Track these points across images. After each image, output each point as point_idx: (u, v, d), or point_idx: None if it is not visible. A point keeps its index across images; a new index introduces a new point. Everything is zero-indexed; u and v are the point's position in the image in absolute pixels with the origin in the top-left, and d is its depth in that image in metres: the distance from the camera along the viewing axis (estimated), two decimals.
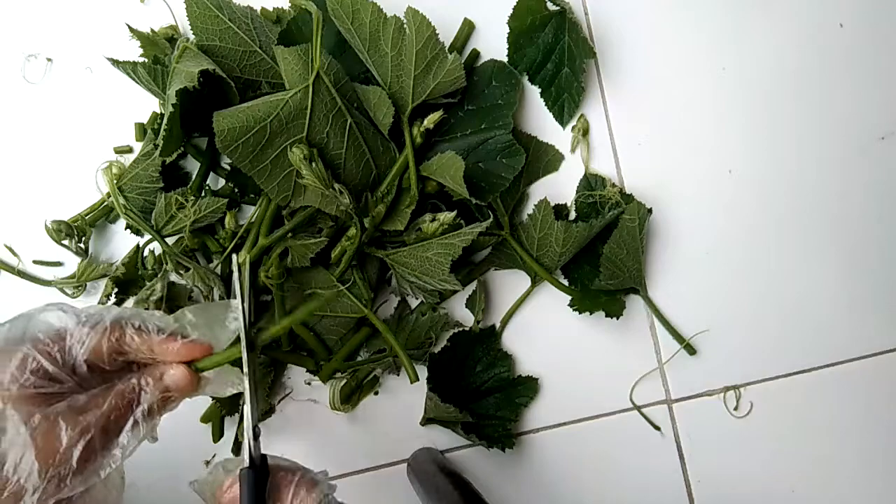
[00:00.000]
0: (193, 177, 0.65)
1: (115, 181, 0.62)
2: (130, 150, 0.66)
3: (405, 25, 0.56)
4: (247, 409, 0.42)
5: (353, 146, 0.58)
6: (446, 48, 0.58)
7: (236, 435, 0.65)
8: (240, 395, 0.62)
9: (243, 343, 0.43)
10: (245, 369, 0.43)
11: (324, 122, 0.57)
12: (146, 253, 0.65)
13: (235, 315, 0.43)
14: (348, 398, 0.65)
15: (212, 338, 0.42)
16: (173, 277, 0.63)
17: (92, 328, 0.38)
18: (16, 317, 0.39)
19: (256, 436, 0.42)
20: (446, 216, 0.60)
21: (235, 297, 0.45)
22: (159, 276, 0.63)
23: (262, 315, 0.64)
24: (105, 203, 0.64)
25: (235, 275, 0.46)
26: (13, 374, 0.36)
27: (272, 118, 0.55)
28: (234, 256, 0.49)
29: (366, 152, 0.59)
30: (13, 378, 0.36)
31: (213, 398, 0.62)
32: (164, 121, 0.56)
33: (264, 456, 0.42)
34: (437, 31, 0.57)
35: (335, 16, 0.56)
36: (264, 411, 0.65)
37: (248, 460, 0.41)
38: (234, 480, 0.41)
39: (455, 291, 0.66)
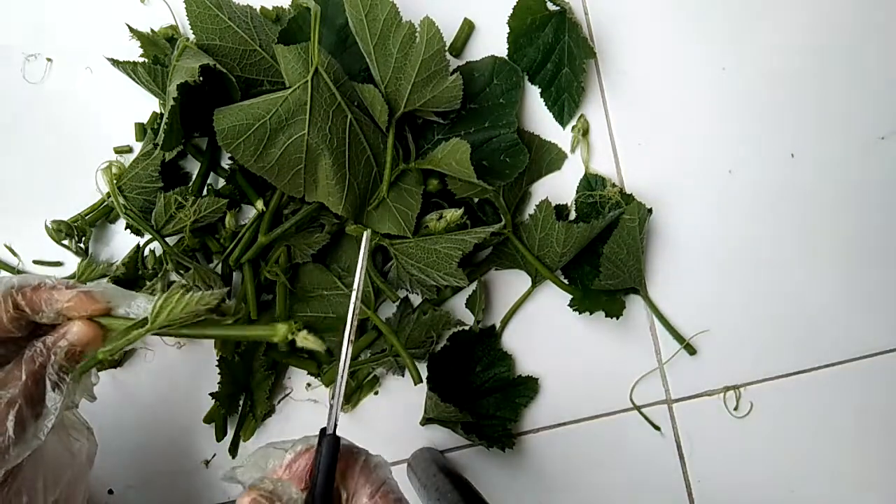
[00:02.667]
0: (194, 177, 0.65)
1: (114, 181, 0.62)
2: (130, 150, 0.66)
3: (417, 33, 0.56)
4: (339, 379, 0.42)
5: (354, 143, 0.58)
6: (450, 67, 0.59)
7: (235, 434, 0.65)
8: (239, 393, 0.63)
9: (352, 304, 0.42)
10: (347, 335, 0.42)
11: (324, 118, 0.57)
12: (146, 253, 0.65)
13: (143, 303, 0.41)
14: (348, 398, 0.65)
15: (113, 304, 0.41)
16: (173, 277, 0.63)
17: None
18: None
19: (341, 407, 0.42)
20: (453, 214, 0.61)
21: (355, 274, 0.44)
22: (159, 276, 0.63)
23: (262, 315, 0.64)
24: (105, 203, 0.64)
25: (363, 249, 0.45)
26: None
27: (272, 115, 0.56)
28: (366, 232, 0.48)
29: (367, 149, 0.59)
30: None
31: (214, 396, 0.62)
32: (165, 115, 0.56)
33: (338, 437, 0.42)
34: (446, 48, 0.57)
35: (350, 3, 0.56)
36: (265, 412, 0.65)
37: (333, 427, 0.41)
38: (299, 454, 0.40)
39: (455, 291, 0.66)
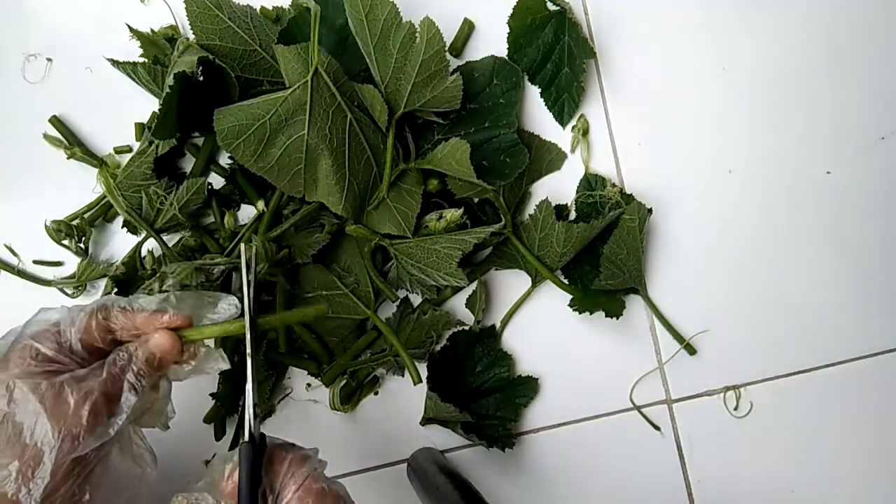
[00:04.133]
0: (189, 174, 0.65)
1: (111, 180, 0.62)
2: (130, 150, 0.66)
3: (417, 33, 0.56)
4: (249, 386, 0.45)
5: (354, 142, 0.58)
6: (450, 67, 0.59)
7: (236, 434, 0.65)
8: (240, 393, 0.63)
9: (247, 320, 0.45)
10: (248, 349, 0.45)
11: (324, 117, 0.57)
12: (144, 253, 0.65)
13: (226, 305, 0.46)
14: (348, 398, 0.65)
15: (194, 316, 0.45)
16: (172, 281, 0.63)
17: (80, 312, 0.42)
18: (9, 331, 0.43)
19: (256, 415, 0.44)
20: (453, 214, 0.61)
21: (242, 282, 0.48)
22: (157, 275, 0.63)
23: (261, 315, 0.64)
24: (102, 202, 0.64)
25: (243, 257, 0.48)
26: (15, 361, 0.40)
27: (272, 115, 0.56)
28: (242, 245, 0.51)
29: (366, 149, 0.59)
30: (16, 364, 0.40)
31: (214, 397, 0.62)
32: (161, 103, 0.56)
33: (263, 434, 0.44)
34: (446, 48, 0.57)
35: (350, 3, 0.56)
36: (265, 412, 0.65)
37: (247, 435, 0.43)
38: (234, 467, 0.43)
39: (455, 291, 0.66)
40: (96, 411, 0.40)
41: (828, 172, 0.69)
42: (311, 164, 0.58)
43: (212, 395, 0.62)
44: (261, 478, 0.42)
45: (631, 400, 0.68)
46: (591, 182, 0.67)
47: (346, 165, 0.58)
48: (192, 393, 0.65)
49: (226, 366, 0.45)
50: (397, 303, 0.66)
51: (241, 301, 0.47)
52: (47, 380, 0.40)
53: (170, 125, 0.59)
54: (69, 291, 0.64)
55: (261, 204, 0.62)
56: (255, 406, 0.44)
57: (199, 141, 0.65)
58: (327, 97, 0.56)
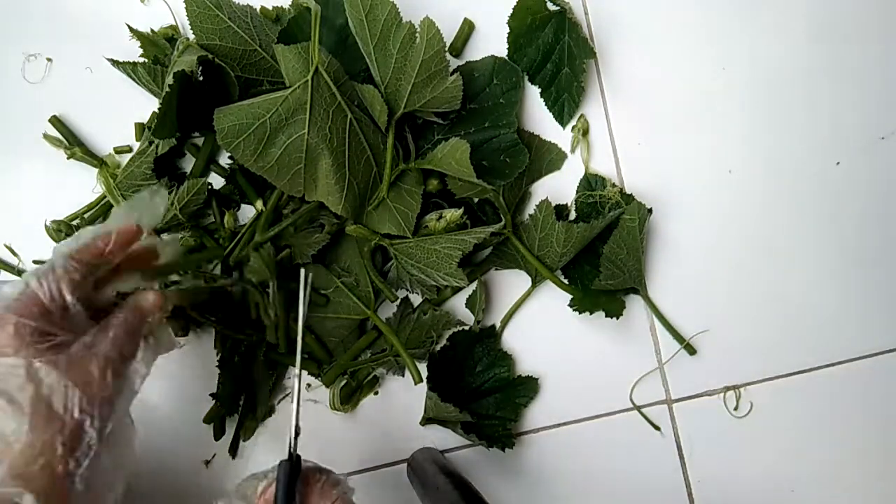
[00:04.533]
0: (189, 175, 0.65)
1: (111, 180, 0.62)
2: (130, 150, 0.66)
3: (417, 33, 0.56)
4: (293, 406, 0.47)
5: (354, 142, 0.58)
6: (450, 67, 0.59)
7: (235, 434, 0.65)
8: (239, 393, 0.63)
9: (299, 345, 0.49)
10: (297, 370, 0.49)
11: (324, 117, 0.57)
12: None
13: (159, 200, 0.49)
14: (348, 398, 0.65)
15: (138, 220, 0.47)
16: (173, 277, 0.63)
17: (50, 275, 0.41)
18: None
19: (297, 433, 0.47)
20: (453, 214, 0.61)
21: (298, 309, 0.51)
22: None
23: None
24: (102, 202, 0.64)
25: (302, 288, 0.51)
26: (13, 342, 0.39)
27: (272, 114, 0.56)
28: (302, 270, 0.53)
29: (366, 149, 0.59)
30: (16, 345, 0.39)
31: (214, 397, 0.62)
32: (160, 102, 0.56)
33: (299, 455, 0.46)
34: (446, 48, 0.57)
35: (350, 3, 0.56)
36: (265, 412, 0.65)
37: (288, 453, 0.45)
38: (269, 484, 0.44)
39: (455, 291, 0.66)
40: (118, 373, 0.41)
41: (828, 172, 0.69)
42: (311, 163, 0.58)
43: (212, 395, 0.62)
44: (294, 496, 0.43)
45: (631, 400, 0.68)
46: (591, 182, 0.67)
47: (346, 165, 0.58)
48: (192, 393, 0.65)
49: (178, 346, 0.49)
50: (397, 303, 0.66)
51: (297, 323, 0.50)
52: (62, 353, 0.40)
53: (170, 125, 0.59)
54: None
55: (259, 203, 0.62)
56: (296, 426, 0.47)
57: (199, 141, 0.65)
58: (327, 97, 0.56)
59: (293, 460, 0.45)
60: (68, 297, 0.41)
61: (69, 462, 0.38)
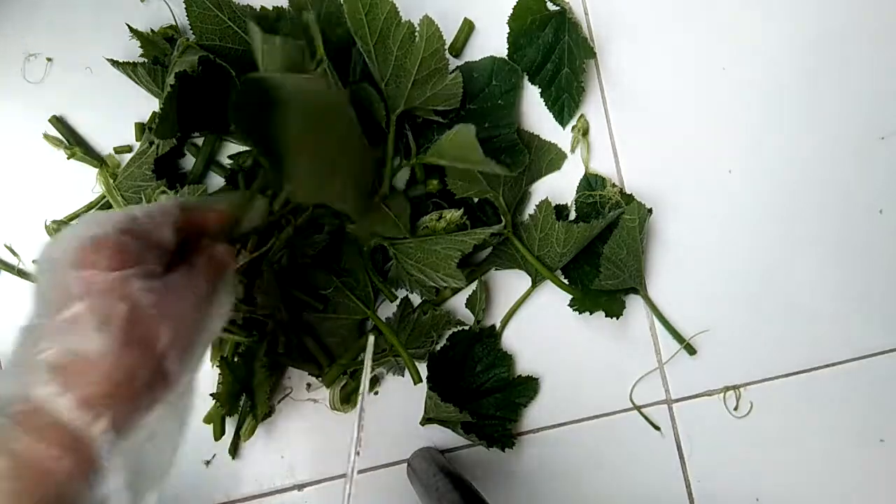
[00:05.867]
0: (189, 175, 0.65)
1: (111, 180, 0.62)
2: (130, 150, 0.66)
3: (417, 32, 0.56)
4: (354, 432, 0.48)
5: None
6: (449, 66, 0.59)
7: (235, 434, 0.65)
8: (240, 392, 0.63)
9: (357, 417, 0.49)
10: (356, 434, 0.48)
11: None
12: None
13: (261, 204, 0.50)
14: (348, 398, 0.65)
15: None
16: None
17: (166, 210, 0.40)
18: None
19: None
20: (453, 214, 0.61)
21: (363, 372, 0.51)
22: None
23: None
24: (102, 202, 0.64)
25: (368, 354, 0.51)
26: (116, 263, 0.36)
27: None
28: (371, 337, 0.54)
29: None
30: (117, 266, 0.36)
31: (214, 397, 0.62)
32: (162, 102, 0.56)
33: None
34: (445, 46, 0.57)
35: (350, 2, 0.56)
36: (265, 412, 0.65)
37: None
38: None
39: (455, 291, 0.66)
40: (206, 312, 0.40)
41: (828, 172, 0.69)
42: None
43: (212, 394, 0.62)
44: None
45: (631, 400, 0.68)
46: (591, 182, 0.67)
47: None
48: None
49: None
50: (397, 303, 0.66)
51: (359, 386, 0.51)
52: (158, 280, 0.37)
53: (171, 125, 0.59)
54: None
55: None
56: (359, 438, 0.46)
57: (200, 141, 0.65)
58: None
59: None
60: (168, 236, 0.39)
61: (145, 398, 0.36)
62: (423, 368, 0.64)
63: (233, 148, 0.65)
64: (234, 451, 0.65)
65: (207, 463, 0.66)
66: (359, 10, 0.56)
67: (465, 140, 0.56)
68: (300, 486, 0.66)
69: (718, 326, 0.68)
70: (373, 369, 0.66)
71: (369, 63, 0.59)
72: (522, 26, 0.64)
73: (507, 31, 0.65)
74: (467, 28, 0.66)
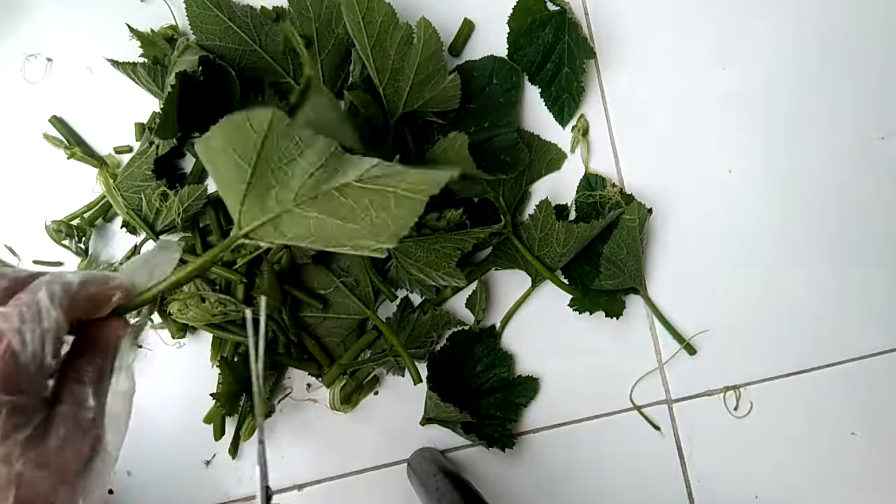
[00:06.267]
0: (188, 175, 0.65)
1: (111, 180, 0.62)
2: (130, 150, 0.66)
3: (414, 34, 0.56)
4: (258, 469, 0.39)
5: None
6: (448, 67, 0.59)
7: (235, 434, 0.65)
8: (240, 392, 0.63)
9: (258, 407, 0.41)
10: (258, 429, 0.41)
11: None
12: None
13: (174, 251, 0.39)
14: (348, 398, 0.65)
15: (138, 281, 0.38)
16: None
17: (39, 323, 0.31)
18: None
19: (269, 498, 0.39)
20: (453, 213, 0.61)
21: (248, 345, 0.42)
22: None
23: None
24: (102, 202, 0.65)
25: (249, 329, 0.41)
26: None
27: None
28: (248, 311, 0.45)
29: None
30: None
31: (214, 397, 0.62)
32: (162, 102, 0.56)
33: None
34: (443, 48, 0.57)
35: (347, 5, 0.56)
36: (265, 413, 0.65)
37: None
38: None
39: (455, 291, 0.66)
40: (103, 445, 0.33)
41: (828, 172, 0.69)
42: None
43: (212, 394, 0.62)
44: None
45: (631, 400, 0.68)
46: (591, 182, 0.67)
47: None
48: (191, 393, 0.65)
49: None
50: (397, 303, 0.66)
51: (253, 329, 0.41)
52: (42, 445, 0.31)
53: (171, 125, 0.59)
54: None
55: None
56: (266, 488, 0.39)
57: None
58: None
59: None
60: (48, 358, 0.31)
61: None
62: (423, 368, 0.64)
63: None
64: (234, 451, 0.65)
65: (207, 463, 0.66)
66: (356, 13, 0.56)
67: (458, 147, 0.57)
68: (300, 486, 0.66)
69: (718, 326, 0.68)
70: (373, 367, 0.66)
71: (367, 66, 0.59)
72: (522, 26, 0.64)
73: (507, 31, 0.65)
74: (467, 28, 0.66)
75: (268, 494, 0.38)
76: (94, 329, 0.35)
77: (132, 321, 0.37)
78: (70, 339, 0.34)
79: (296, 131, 0.32)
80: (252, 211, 0.34)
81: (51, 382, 0.32)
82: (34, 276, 0.33)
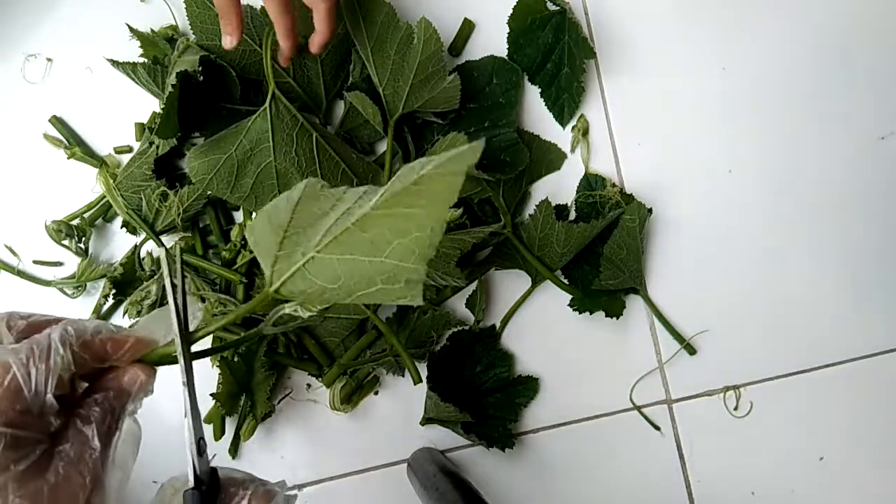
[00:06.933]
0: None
1: (111, 180, 0.62)
2: (130, 150, 0.66)
3: (414, 34, 0.56)
4: (187, 421, 0.37)
5: (325, 160, 0.58)
6: (448, 67, 0.59)
7: (235, 434, 0.65)
8: (240, 391, 0.63)
9: (178, 344, 0.37)
10: (182, 378, 0.38)
11: (288, 141, 0.57)
12: (143, 254, 0.65)
13: (193, 317, 0.39)
14: (348, 398, 0.65)
15: (156, 335, 0.38)
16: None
17: (46, 360, 0.32)
18: None
19: (202, 450, 0.37)
20: (452, 213, 0.61)
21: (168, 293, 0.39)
22: (155, 277, 0.63)
23: None
24: (102, 202, 0.65)
25: (164, 268, 0.39)
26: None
27: (237, 147, 0.57)
28: (162, 250, 0.43)
29: (340, 163, 0.59)
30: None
31: (214, 397, 0.62)
32: (163, 102, 0.56)
33: (214, 470, 0.38)
34: (443, 49, 0.57)
35: (347, 5, 0.56)
36: (265, 412, 0.65)
37: (192, 480, 0.37)
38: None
39: (455, 291, 0.66)
40: (100, 483, 0.33)
41: (828, 172, 0.69)
42: (284, 187, 0.58)
43: (212, 394, 0.62)
44: None
45: (631, 400, 0.68)
46: (591, 182, 0.67)
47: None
48: None
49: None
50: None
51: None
52: (41, 479, 0.31)
53: (172, 125, 0.59)
54: (69, 292, 0.64)
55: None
56: (199, 441, 0.37)
57: (199, 141, 0.65)
58: (288, 120, 0.57)
59: (202, 484, 0.36)
60: (49, 396, 0.31)
61: None
62: (423, 368, 0.64)
63: None
64: (234, 451, 0.65)
65: None
66: (356, 13, 0.56)
67: (457, 147, 0.56)
68: (300, 486, 0.66)
69: (718, 326, 0.68)
70: (373, 367, 0.66)
71: (367, 66, 0.59)
72: (522, 26, 0.64)
73: (507, 31, 0.65)
74: (467, 28, 0.66)
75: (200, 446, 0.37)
76: (110, 373, 0.36)
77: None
78: (85, 384, 0.34)
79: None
80: (282, 268, 0.34)
81: (57, 421, 0.32)
82: (55, 321, 0.34)
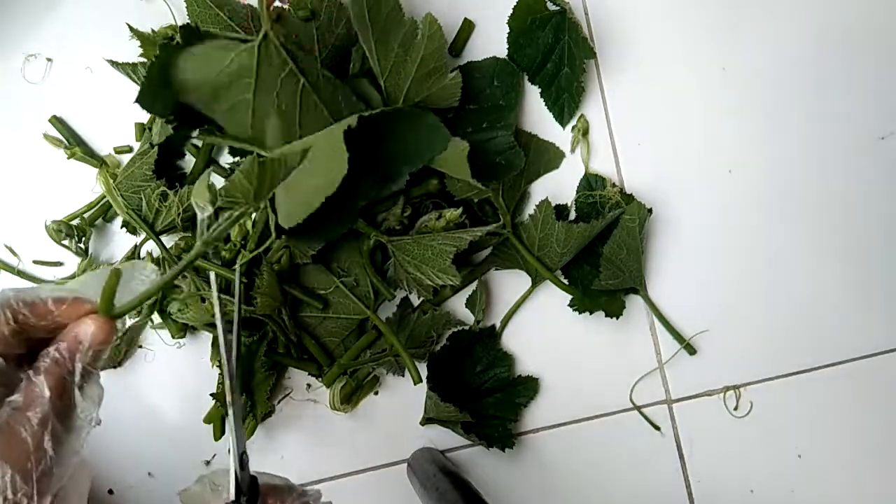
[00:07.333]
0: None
1: (111, 180, 0.62)
2: (130, 150, 0.66)
3: (418, 30, 0.56)
4: (231, 437, 0.40)
5: (307, 108, 0.56)
6: (450, 66, 0.59)
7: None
8: (242, 390, 0.63)
9: (225, 367, 0.40)
10: (228, 397, 0.41)
11: (272, 83, 0.55)
12: (143, 254, 0.65)
13: (147, 274, 0.39)
14: (348, 398, 0.65)
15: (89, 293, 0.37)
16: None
17: None
18: None
19: (244, 464, 0.39)
20: (452, 213, 0.61)
21: (216, 311, 0.42)
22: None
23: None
24: (102, 202, 0.65)
25: (217, 310, 0.42)
26: None
27: (220, 73, 0.54)
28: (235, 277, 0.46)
29: (323, 111, 0.57)
30: None
31: (214, 397, 0.62)
32: (145, 71, 0.55)
33: (254, 479, 0.39)
34: (446, 45, 0.57)
35: None
36: (265, 412, 0.65)
37: (233, 492, 0.39)
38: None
39: (455, 291, 0.66)
40: (58, 437, 0.34)
41: (828, 172, 0.69)
42: (258, 124, 0.56)
43: (212, 394, 0.62)
44: None
45: (631, 400, 0.68)
46: (591, 182, 0.67)
47: (297, 124, 0.57)
48: (191, 393, 0.65)
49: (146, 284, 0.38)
50: (397, 303, 0.66)
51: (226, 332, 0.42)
52: None
53: (161, 100, 0.56)
54: None
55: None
56: (241, 454, 0.40)
57: (199, 142, 0.65)
58: (278, 63, 0.54)
59: (242, 495, 0.39)
60: None
61: None
62: (423, 368, 0.64)
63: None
64: None
65: (207, 463, 0.65)
66: (361, 6, 0.56)
67: (457, 154, 0.56)
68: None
69: (718, 326, 0.68)
70: (373, 367, 0.66)
71: (370, 58, 0.59)
72: (522, 26, 0.64)
73: (507, 31, 0.65)
74: (467, 28, 0.66)
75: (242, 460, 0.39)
76: (67, 327, 0.36)
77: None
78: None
79: None
80: None
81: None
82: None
